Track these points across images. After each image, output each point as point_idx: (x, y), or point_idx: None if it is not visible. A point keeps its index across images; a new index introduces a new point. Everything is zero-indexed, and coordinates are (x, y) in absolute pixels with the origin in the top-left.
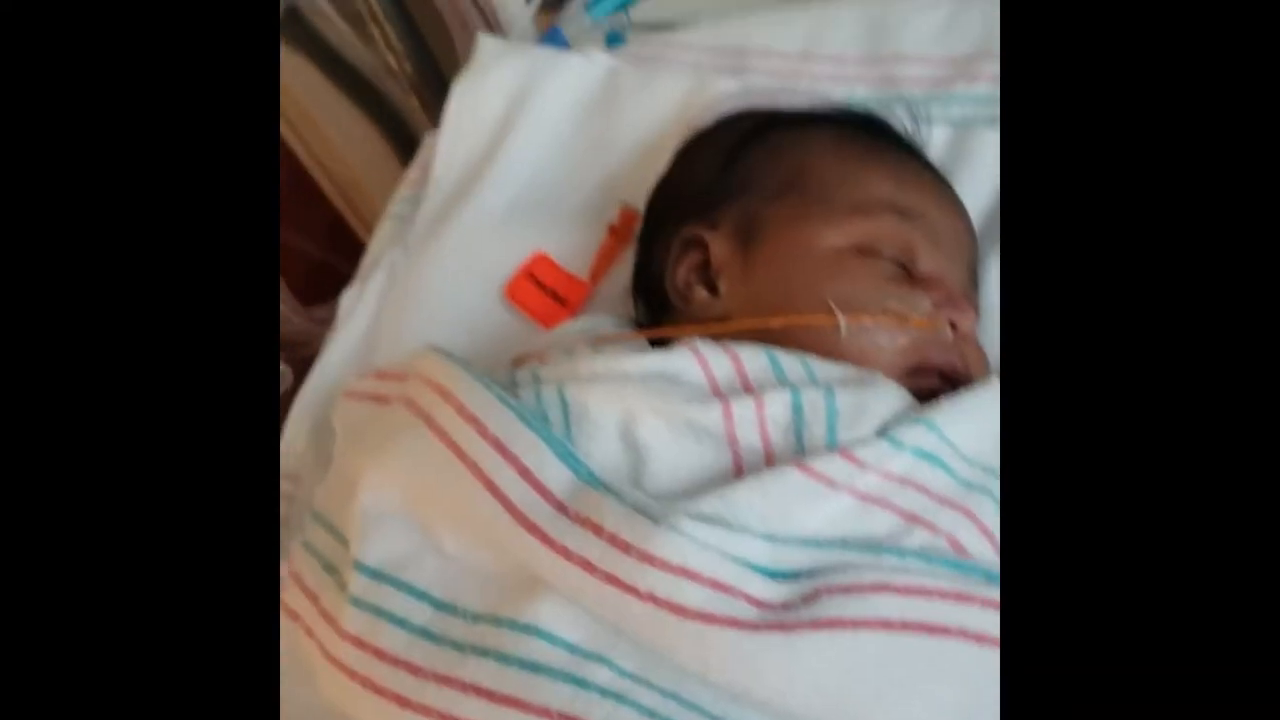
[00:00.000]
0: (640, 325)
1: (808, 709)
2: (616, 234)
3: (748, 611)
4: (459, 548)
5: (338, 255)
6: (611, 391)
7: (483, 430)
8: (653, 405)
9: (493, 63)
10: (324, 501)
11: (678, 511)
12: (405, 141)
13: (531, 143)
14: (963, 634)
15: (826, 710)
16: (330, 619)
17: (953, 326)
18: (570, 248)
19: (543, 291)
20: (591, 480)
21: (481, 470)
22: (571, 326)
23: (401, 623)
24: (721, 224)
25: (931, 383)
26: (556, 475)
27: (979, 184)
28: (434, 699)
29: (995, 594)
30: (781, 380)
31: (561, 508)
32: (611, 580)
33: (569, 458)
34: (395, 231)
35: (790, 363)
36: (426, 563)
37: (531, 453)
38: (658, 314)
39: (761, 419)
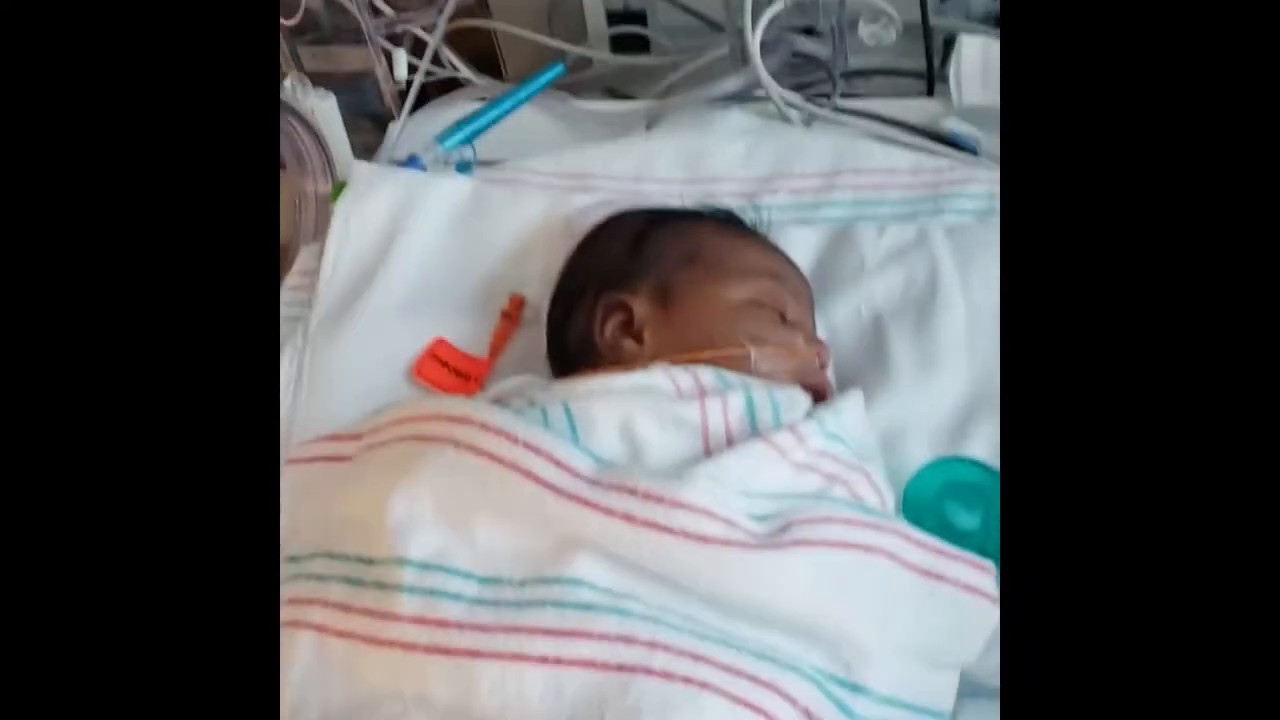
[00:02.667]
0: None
1: (793, 606)
2: (509, 317)
3: (749, 538)
4: (492, 537)
5: None
6: (610, 402)
7: (512, 438)
8: (645, 407)
9: (373, 181)
10: (313, 540)
11: (691, 472)
12: None
13: (416, 246)
14: (881, 552)
15: (807, 605)
16: (376, 613)
17: (818, 356)
18: (464, 334)
19: (446, 369)
20: (609, 464)
21: (520, 465)
22: (512, 382)
23: (457, 597)
24: (639, 291)
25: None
26: (582, 462)
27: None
28: (505, 644)
29: (896, 526)
30: (729, 387)
31: (595, 482)
32: (650, 525)
33: (586, 450)
34: (289, 330)
35: (731, 376)
36: (463, 553)
37: (559, 448)
38: (572, 369)
39: (725, 412)
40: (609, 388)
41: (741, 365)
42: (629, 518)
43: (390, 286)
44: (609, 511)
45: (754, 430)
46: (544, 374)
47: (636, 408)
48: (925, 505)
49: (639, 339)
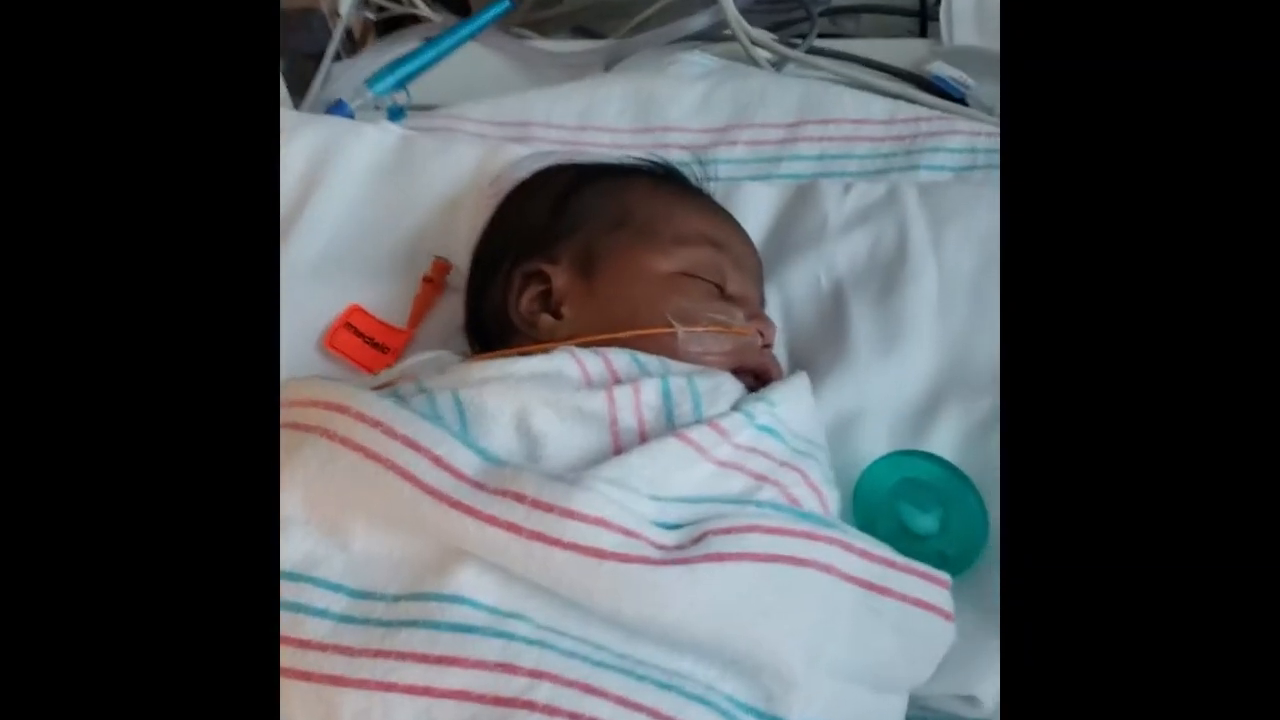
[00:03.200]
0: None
1: (704, 629)
2: (431, 283)
3: (653, 552)
4: (369, 541)
5: None
6: (506, 389)
7: (390, 431)
8: (543, 398)
9: (292, 129)
10: None
11: (589, 476)
12: None
13: (335, 199)
14: (814, 564)
15: (720, 628)
16: None
17: (760, 334)
18: (383, 299)
19: (362, 340)
20: (498, 462)
21: (395, 463)
22: (416, 360)
23: (323, 613)
24: (560, 258)
25: (747, 381)
26: (466, 460)
27: (750, 229)
28: (370, 671)
29: (834, 534)
30: (645, 373)
31: (479, 485)
32: (537, 537)
33: (474, 447)
34: None
35: (649, 360)
36: (335, 561)
37: (441, 444)
38: (493, 344)
39: (638, 403)
40: (506, 373)
41: (668, 346)
42: (513, 528)
43: (304, 246)
44: (492, 520)
45: (670, 424)
46: (463, 350)
47: (534, 397)
48: (878, 504)
49: (557, 314)
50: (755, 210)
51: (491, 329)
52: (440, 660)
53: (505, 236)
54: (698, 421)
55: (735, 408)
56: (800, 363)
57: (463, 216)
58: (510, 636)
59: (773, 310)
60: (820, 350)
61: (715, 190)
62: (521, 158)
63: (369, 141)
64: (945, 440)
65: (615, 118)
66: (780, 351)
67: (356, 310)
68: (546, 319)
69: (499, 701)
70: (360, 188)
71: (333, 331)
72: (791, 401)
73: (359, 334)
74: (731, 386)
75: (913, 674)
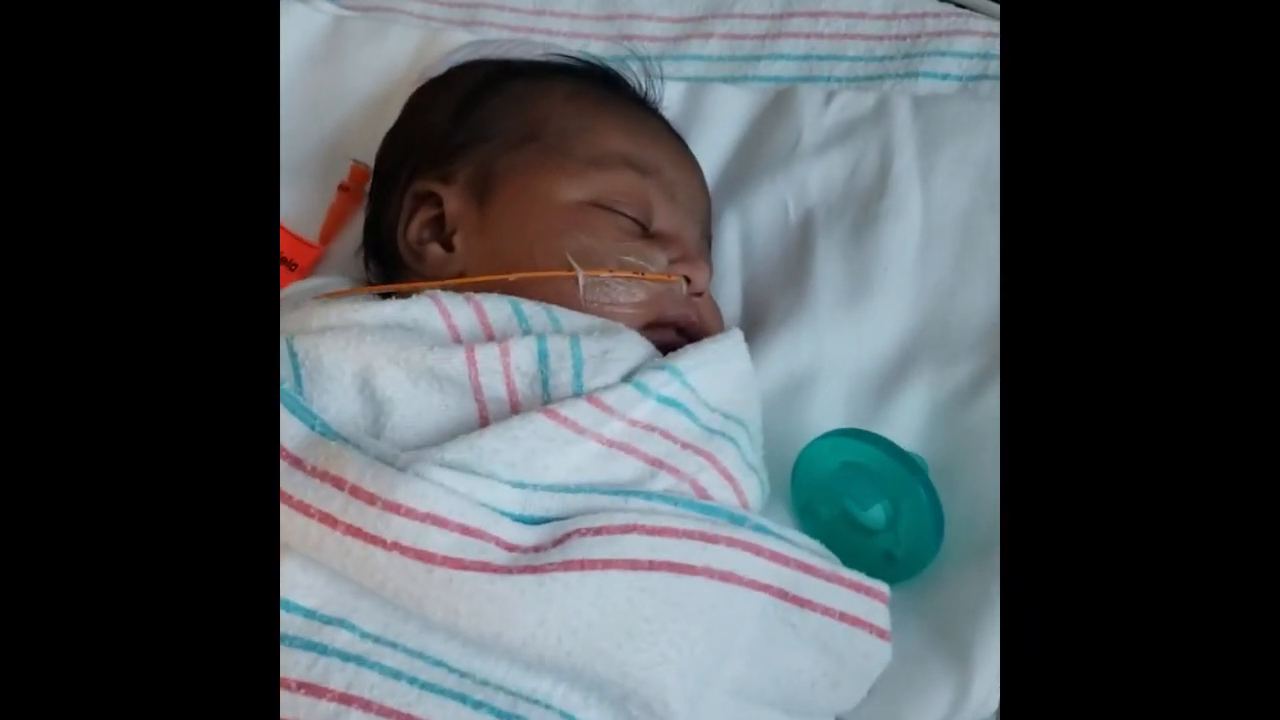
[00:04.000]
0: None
1: (558, 650)
2: (348, 192)
3: (498, 555)
4: None
5: None
6: (347, 342)
7: None
8: (391, 354)
9: None
10: None
11: (424, 460)
12: None
13: None
14: (708, 572)
15: (577, 650)
16: None
17: (688, 281)
18: (297, 208)
19: None
20: (327, 433)
21: None
22: (298, 286)
23: None
24: (456, 177)
25: (668, 337)
26: (290, 430)
27: (713, 140)
28: None
29: (740, 534)
30: (526, 329)
31: (298, 463)
32: (355, 533)
33: (301, 411)
34: None
35: (534, 311)
36: None
37: None
38: (391, 274)
39: (506, 366)
40: (350, 320)
41: (566, 294)
42: (329, 520)
43: None
44: (305, 509)
45: (546, 394)
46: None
47: (380, 354)
48: (819, 489)
49: (449, 245)
50: (721, 119)
51: (387, 254)
52: None
53: (404, 146)
54: (577, 394)
55: (629, 377)
56: (756, 308)
57: (392, 113)
58: (323, 650)
59: (730, 243)
60: (778, 295)
61: (678, 94)
62: (458, 46)
63: (295, 20)
64: (911, 412)
65: (576, 3)
66: (734, 293)
67: None
68: (435, 250)
69: None
70: (281, 75)
71: None
72: (709, 367)
73: None
74: (631, 349)
75: (836, 698)
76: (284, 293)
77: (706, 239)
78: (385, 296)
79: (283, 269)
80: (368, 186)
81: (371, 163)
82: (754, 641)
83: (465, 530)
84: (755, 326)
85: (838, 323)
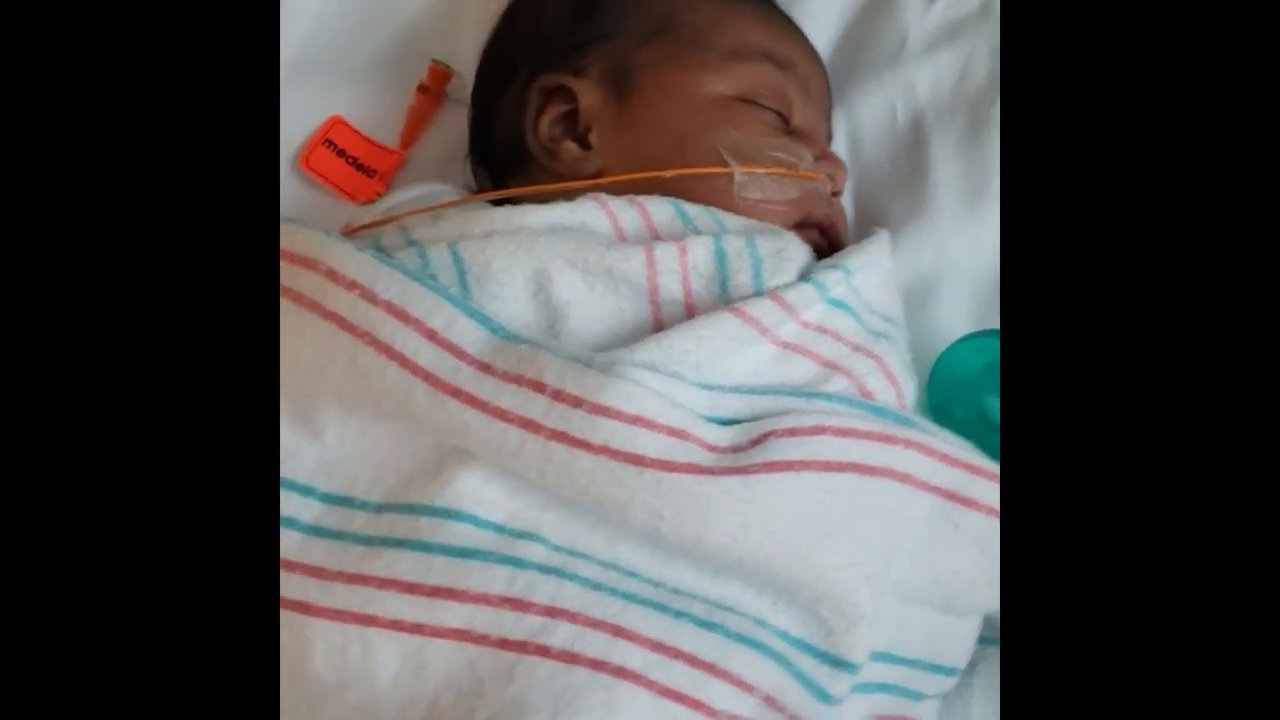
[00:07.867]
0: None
1: (758, 554)
2: (428, 94)
3: (704, 457)
4: (345, 438)
5: None
6: (519, 245)
7: (370, 295)
8: (567, 256)
9: None
10: None
11: (621, 361)
12: None
13: None
14: (889, 473)
15: (776, 553)
16: None
17: (830, 180)
18: (370, 110)
19: (345, 160)
20: (511, 337)
21: (378, 338)
22: (404, 195)
23: (289, 522)
24: (588, 71)
25: (813, 237)
26: (471, 335)
27: (815, 41)
28: (346, 599)
29: (914, 435)
30: (693, 229)
31: (486, 368)
32: (559, 437)
33: (478, 315)
34: None
35: (698, 213)
36: (305, 453)
37: (436, 313)
38: (503, 178)
39: (684, 266)
40: (517, 225)
41: (719, 192)
42: (531, 425)
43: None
44: (503, 415)
45: (724, 295)
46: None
47: (555, 256)
48: (959, 390)
49: (584, 142)
50: (817, 20)
51: (501, 158)
52: (434, 592)
53: (520, 40)
54: (758, 293)
55: (804, 277)
56: (869, 215)
57: (469, 10)
58: (520, 564)
59: (838, 145)
60: (893, 200)
61: None
62: None
63: None
64: None
65: None
66: (846, 199)
67: (338, 122)
68: (571, 148)
69: (505, 645)
70: None
71: (309, 148)
72: (870, 270)
73: (341, 152)
74: (798, 250)
75: (991, 596)
76: (380, 204)
77: (829, 139)
78: (498, 203)
79: (360, 174)
80: (449, 87)
81: (449, 61)
82: (919, 543)
83: (672, 432)
84: (869, 230)
85: (959, 227)
